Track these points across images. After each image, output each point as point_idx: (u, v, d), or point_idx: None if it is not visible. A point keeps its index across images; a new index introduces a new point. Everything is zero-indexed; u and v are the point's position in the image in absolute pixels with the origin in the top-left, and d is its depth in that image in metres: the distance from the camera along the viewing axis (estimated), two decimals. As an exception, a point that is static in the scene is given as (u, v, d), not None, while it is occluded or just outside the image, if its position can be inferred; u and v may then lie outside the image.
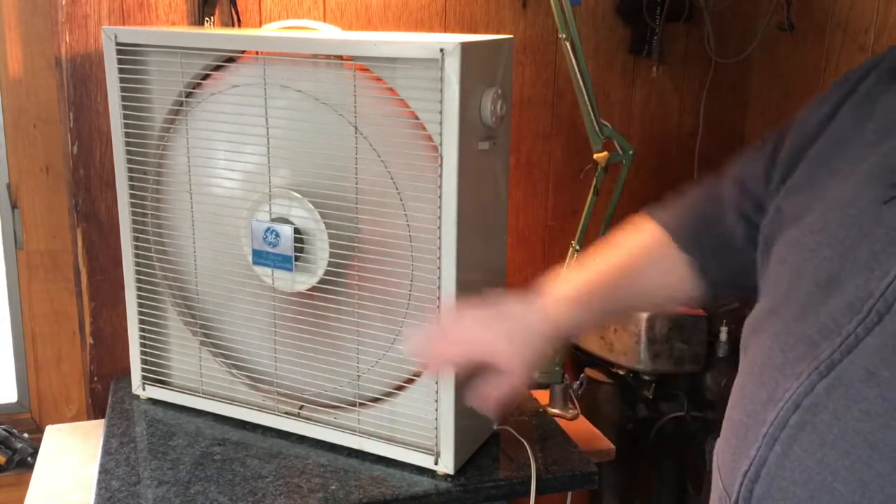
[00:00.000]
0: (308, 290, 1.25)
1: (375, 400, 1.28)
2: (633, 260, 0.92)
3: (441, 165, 1.12)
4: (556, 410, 1.58)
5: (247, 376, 1.37)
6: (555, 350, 0.88)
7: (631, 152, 1.48)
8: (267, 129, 1.22)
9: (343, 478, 1.22)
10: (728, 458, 0.71)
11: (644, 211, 0.96)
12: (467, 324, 0.91)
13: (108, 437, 1.32)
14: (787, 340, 0.67)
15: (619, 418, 1.73)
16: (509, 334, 0.88)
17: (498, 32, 1.66)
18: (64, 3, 1.43)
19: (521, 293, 0.92)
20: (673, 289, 0.93)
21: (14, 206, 1.57)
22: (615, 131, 1.47)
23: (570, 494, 1.35)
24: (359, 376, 1.27)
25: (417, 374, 1.24)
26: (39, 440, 1.51)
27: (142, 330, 1.41)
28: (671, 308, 1.51)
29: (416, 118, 1.14)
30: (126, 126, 1.32)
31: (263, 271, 1.27)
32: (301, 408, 1.33)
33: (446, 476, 1.23)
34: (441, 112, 1.10)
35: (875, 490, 0.57)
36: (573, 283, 0.91)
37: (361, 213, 1.19)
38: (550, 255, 1.81)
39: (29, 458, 1.55)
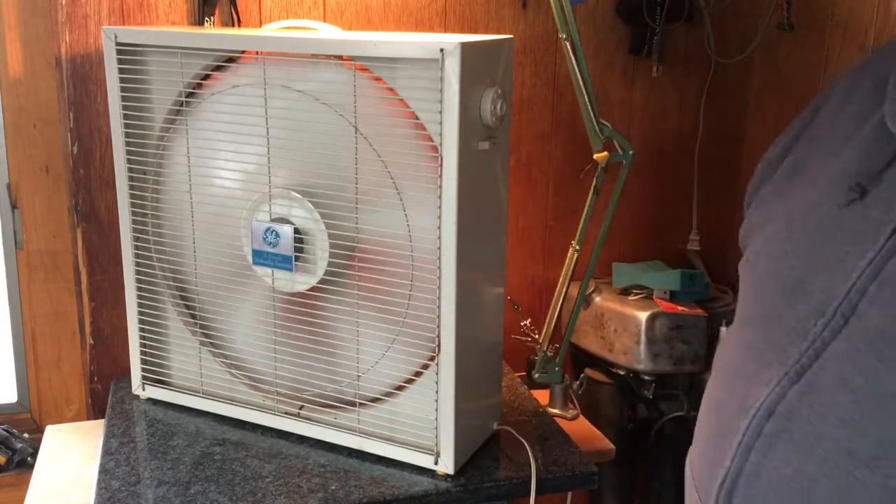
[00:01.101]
0: (308, 290, 1.25)
1: (375, 400, 1.28)
2: None
3: (441, 165, 1.12)
4: (556, 410, 1.58)
5: (247, 376, 1.37)
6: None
7: (631, 152, 1.48)
8: (267, 129, 1.22)
9: (343, 478, 1.22)
10: (704, 470, 0.71)
11: None
12: None
13: (108, 437, 1.32)
14: (756, 347, 0.67)
15: (619, 418, 1.73)
16: None
17: (498, 32, 1.66)
18: (64, 3, 1.43)
19: None
20: None
21: (14, 206, 1.57)
22: (615, 131, 1.47)
23: (570, 494, 1.35)
24: (359, 376, 1.27)
25: (417, 374, 1.24)
26: (39, 440, 1.51)
27: (142, 330, 1.41)
28: None
29: (416, 118, 1.14)
30: (126, 126, 1.32)
31: (263, 271, 1.27)
32: (301, 408, 1.33)
33: (446, 476, 1.23)
34: (441, 112, 1.10)
35: (854, 497, 0.57)
36: None
37: (361, 213, 1.19)
38: (550, 255, 1.81)
39: (29, 458, 1.55)
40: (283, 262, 1.24)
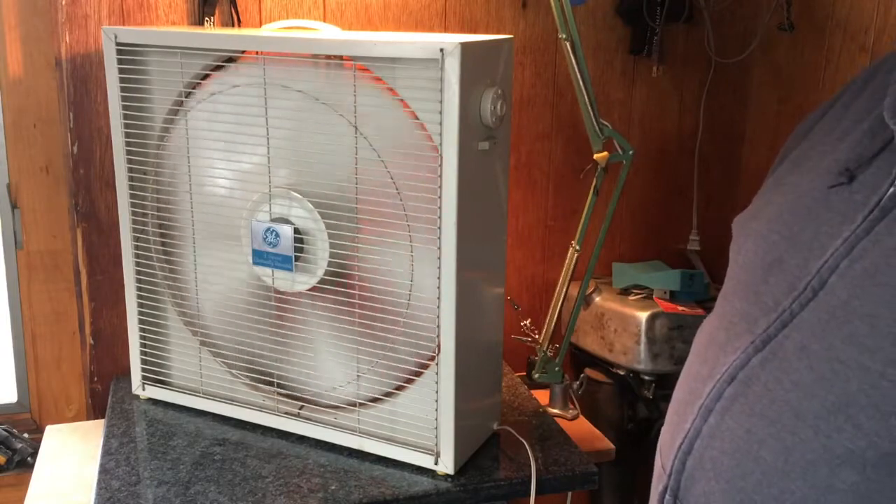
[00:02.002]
0: (308, 290, 1.25)
1: (375, 400, 1.28)
2: None
3: (441, 165, 1.12)
4: (556, 410, 1.58)
5: (247, 376, 1.37)
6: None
7: (631, 152, 1.48)
8: (267, 129, 1.22)
9: (343, 478, 1.22)
10: (667, 438, 0.72)
11: None
12: None
13: (108, 437, 1.32)
14: (730, 320, 0.69)
15: (619, 418, 1.73)
16: None
17: (498, 32, 1.66)
18: (64, 3, 1.43)
19: None
20: None
21: (14, 206, 1.57)
22: (615, 131, 1.47)
23: (570, 494, 1.35)
24: (359, 376, 1.27)
25: (417, 374, 1.24)
26: (39, 440, 1.51)
27: (142, 330, 1.41)
28: None
29: (416, 118, 1.14)
30: (126, 126, 1.32)
31: (263, 271, 1.27)
32: (301, 408, 1.33)
33: (446, 476, 1.23)
34: (441, 112, 1.10)
35: (797, 456, 0.59)
36: None
37: (361, 213, 1.19)
38: (550, 255, 1.81)
39: (29, 458, 1.55)
40: (283, 262, 1.24)
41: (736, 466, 0.62)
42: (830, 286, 0.61)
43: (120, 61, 1.30)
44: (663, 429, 0.76)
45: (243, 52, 1.25)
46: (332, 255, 1.22)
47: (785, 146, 0.81)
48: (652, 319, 1.62)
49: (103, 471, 1.23)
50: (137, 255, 1.38)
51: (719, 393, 0.65)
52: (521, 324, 1.60)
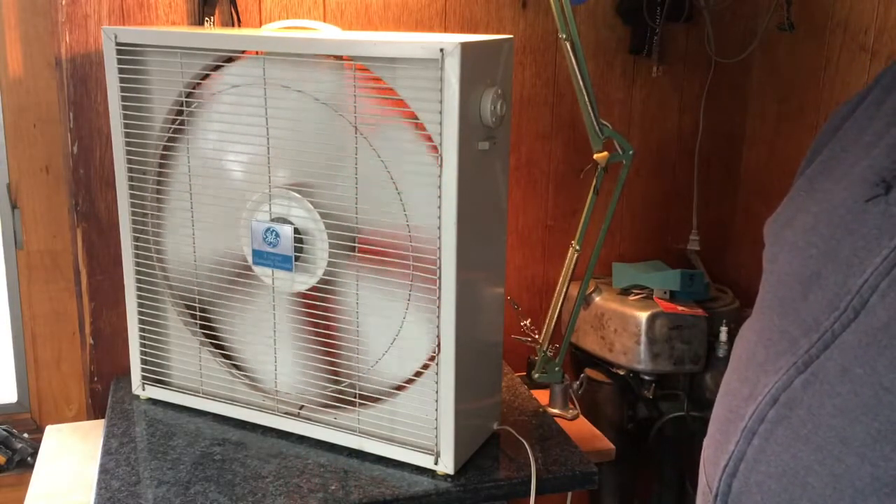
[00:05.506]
0: (308, 290, 1.25)
1: (375, 400, 1.28)
2: None
3: (441, 165, 1.12)
4: (556, 410, 1.58)
5: (247, 376, 1.37)
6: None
7: (631, 152, 1.48)
8: (267, 129, 1.22)
9: (343, 478, 1.22)
10: (711, 454, 0.72)
11: None
12: None
13: (108, 437, 1.32)
14: (770, 336, 0.68)
15: (619, 418, 1.73)
16: None
17: (498, 32, 1.66)
18: (64, 3, 1.43)
19: None
20: None
21: (14, 206, 1.57)
22: (615, 131, 1.47)
23: (570, 494, 1.35)
24: (359, 376, 1.27)
25: (418, 374, 1.24)
26: (39, 440, 1.51)
27: (142, 330, 1.41)
28: None
29: (416, 118, 1.14)
30: (126, 126, 1.32)
31: (263, 271, 1.27)
32: (301, 408, 1.33)
33: (446, 476, 1.23)
34: (441, 112, 1.10)
35: (845, 484, 0.58)
36: None
37: (361, 213, 1.19)
38: (550, 255, 1.81)
39: (29, 458, 1.55)
40: (283, 262, 1.24)
41: (783, 492, 0.62)
42: (871, 306, 0.60)
43: (120, 61, 1.30)
44: (706, 441, 0.76)
45: (243, 52, 1.25)
46: (331, 255, 1.22)
47: (814, 143, 0.79)
48: (652, 319, 1.62)
49: (103, 471, 1.23)
50: (137, 255, 1.38)
51: (762, 415, 0.64)
52: (521, 324, 1.60)
